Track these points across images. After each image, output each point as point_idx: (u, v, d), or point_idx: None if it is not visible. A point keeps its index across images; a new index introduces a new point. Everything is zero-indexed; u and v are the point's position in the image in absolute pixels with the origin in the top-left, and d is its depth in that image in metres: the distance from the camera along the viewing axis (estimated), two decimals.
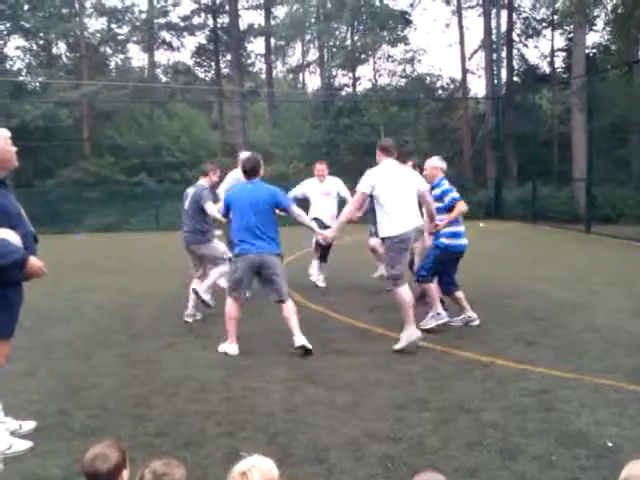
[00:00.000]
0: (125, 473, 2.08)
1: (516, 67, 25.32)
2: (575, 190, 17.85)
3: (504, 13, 23.48)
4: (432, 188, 5.86)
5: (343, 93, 25.57)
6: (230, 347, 5.19)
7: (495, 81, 22.04)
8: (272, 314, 6.63)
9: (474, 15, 26.17)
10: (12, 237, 3.20)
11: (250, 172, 5.26)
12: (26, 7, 22.19)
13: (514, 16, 24.60)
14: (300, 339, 5.09)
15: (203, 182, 6.52)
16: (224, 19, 26.84)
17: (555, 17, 23.86)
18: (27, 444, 3.40)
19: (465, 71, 24.50)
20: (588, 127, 15.52)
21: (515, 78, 25.08)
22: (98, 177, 19.40)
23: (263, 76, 29.53)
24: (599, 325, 5.93)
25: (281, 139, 23.17)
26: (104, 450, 2.06)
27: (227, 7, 26.06)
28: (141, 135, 21.10)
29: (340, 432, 3.56)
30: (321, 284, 8.14)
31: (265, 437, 3.50)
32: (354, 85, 25.73)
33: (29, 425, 3.63)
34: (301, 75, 29.89)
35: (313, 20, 25.14)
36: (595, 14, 20.57)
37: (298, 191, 8.23)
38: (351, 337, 5.69)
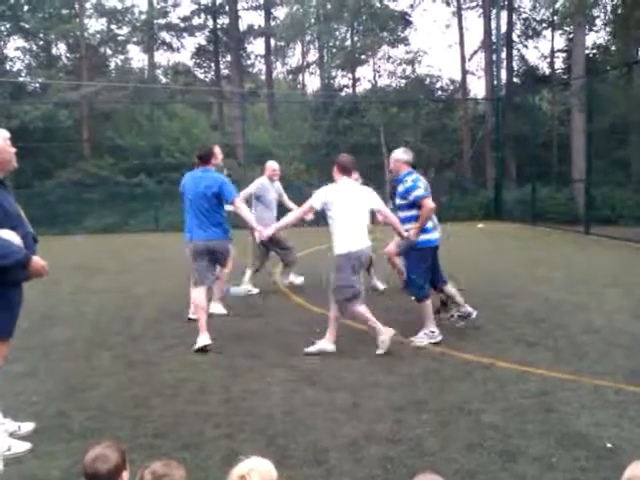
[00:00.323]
0: (125, 474, 2.08)
1: (516, 68, 25.36)
2: (574, 191, 17.85)
3: (504, 14, 23.50)
4: (398, 183, 5.65)
5: (343, 94, 25.57)
6: (203, 338, 5.28)
7: (495, 82, 22.04)
8: (272, 315, 6.64)
9: (474, 16, 26.24)
10: (14, 237, 3.20)
11: (203, 159, 5.49)
12: (26, 8, 22.20)
13: (514, 17, 24.64)
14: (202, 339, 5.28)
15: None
16: (224, 20, 26.85)
17: (555, 18, 23.88)
18: (26, 445, 3.40)
19: (465, 72, 24.53)
20: (588, 128, 15.51)
21: (515, 79, 25.10)
22: (98, 178, 19.38)
23: (263, 77, 29.55)
24: (599, 326, 5.93)
25: (281, 140, 23.16)
26: (104, 451, 2.06)
27: (227, 8, 26.07)
28: (141, 136, 21.09)
29: (339, 434, 3.55)
30: (298, 281, 8.13)
31: (264, 439, 3.49)
32: (354, 86, 25.75)
33: (28, 426, 3.63)
34: (301, 76, 29.91)
35: (313, 21, 25.14)
36: (595, 15, 20.60)
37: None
38: (350, 339, 5.68)
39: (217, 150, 5.77)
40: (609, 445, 3.33)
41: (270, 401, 4.10)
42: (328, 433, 3.57)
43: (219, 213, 5.45)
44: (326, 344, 5.22)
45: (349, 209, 5.12)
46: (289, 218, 5.51)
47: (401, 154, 5.66)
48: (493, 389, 4.26)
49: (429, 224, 5.56)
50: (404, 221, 5.48)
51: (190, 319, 6.25)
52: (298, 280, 8.16)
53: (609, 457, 3.21)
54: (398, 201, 5.65)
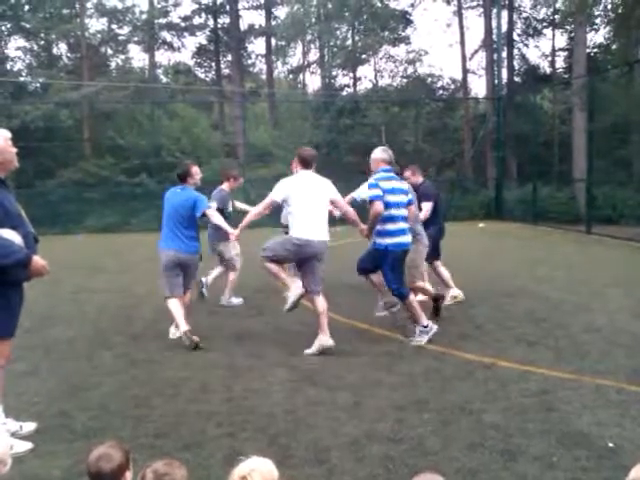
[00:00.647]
0: (128, 474, 2.08)
1: (517, 67, 25.33)
2: (576, 190, 17.83)
3: (505, 13, 23.48)
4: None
5: (344, 93, 25.57)
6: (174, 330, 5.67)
7: (496, 81, 22.03)
8: (272, 315, 6.64)
9: (475, 15, 26.19)
10: (14, 237, 3.21)
11: (180, 178, 5.81)
12: (27, 8, 22.20)
13: (515, 16, 24.61)
14: (177, 330, 5.58)
15: (224, 187, 7.32)
16: (225, 19, 26.85)
17: (556, 17, 23.87)
18: (27, 445, 3.40)
19: (466, 71, 24.51)
20: (589, 127, 15.50)
21: (516, 78, 25.07)
22: (99, 178, 19.39)
23: (264, 76, 29.56)
24: (600, 326, 5.93)
25: (282, 139, 23.16)
26: (108, 451, 2.07)
27: (227, 7, 26.07)
28: (142, 136, 21.10)
29: (341, 433, 3.56)
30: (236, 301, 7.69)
31: (266, 438, 3.50)
32: (355, 85, 25.74)
33: (30, 426, 3.63)
34: (302, 75, 29.91)
35: (314, 20, 25.14)
36: (596, 13, 20.57)
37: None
38: (352, 338, 5.68)
39: (194, 170, 5.92)
40: (610, 445, 3.33)
41: (271, 400, 4.10)
42: (329, 432, 3.57)
43: (192, 229, 5.70)
44: (323, 339, 5.20)
45: (308, 201, 5.18)
46: (250, 215, 5.55)
47: (378, 153, 5.61)
48: (494, 388, 4.26)
49: (392, 227, 5.32)
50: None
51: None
52: (236, 300, 7.49)
53: (610, 457, 3.20)
54: None
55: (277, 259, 5.26)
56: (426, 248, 6.32)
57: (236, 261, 7.29)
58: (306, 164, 5.31)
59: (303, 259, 5.21)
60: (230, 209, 7.36)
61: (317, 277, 5.25)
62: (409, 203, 5.57)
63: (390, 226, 5.33)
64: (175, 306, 5.56)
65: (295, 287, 5.20)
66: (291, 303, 5.24)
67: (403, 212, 5.44)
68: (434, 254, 6.99)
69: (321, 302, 5.24)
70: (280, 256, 5.25)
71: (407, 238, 5.46)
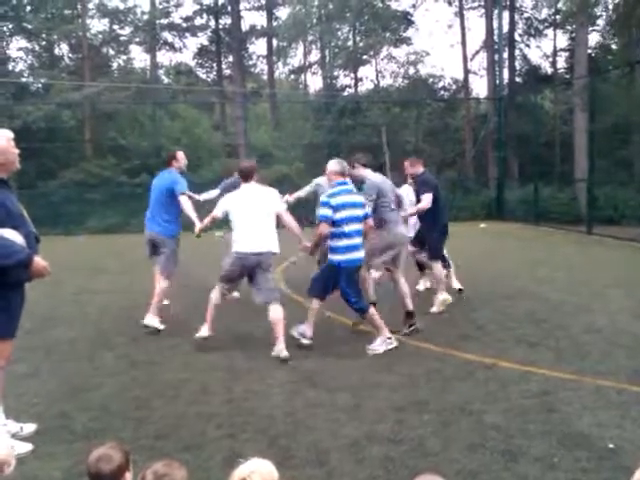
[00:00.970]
0: (128, 475, 2.09)
1: (518, 67, 25.31)
2: (577, 191, 17.82)
3: (506, 14, 23.47)
4: None
5: (345, 94, 25.57)
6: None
7: (497, 81, 22.02)
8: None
9: (476, 16, 26.19)
10: (16, 237, 3.21)
11: (166, 162, 6.41)
12: (28, 8, 22.23)
13: (516, 16, 24.60)
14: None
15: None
16: (226, 20, 26.86)
17: (557, 17, 23.85)
18: (28, 447, 3.40)
19: (467, 71, 24.50)
20: (590, 127, 15.48)
21: (517, 78, 25.06)
22: (100, 178, 19.40)
23: (265, 77, 29.56)
24: (601, 327, 5.92)
25: (283, 140, 23.17)
26: (108, 452, 2.07)
27: (229, 8, 26.08)
28: (143, 136, 21.12)
29: (341, 434, 3.56)
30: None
31: (266, 440, 3.50)
32: (356, 86, 25.74)
33: (30, 427, 3.64)
34: (303, 76, 29.92)
35: (315, 21, 25.14)
36: (597, 14, 20.56)
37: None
38: (351, 339, 5.68)
39: (180, 155, 6.33)
40: (611, 445, 3.33)
41: (271, 402, 4.10)
42: (329, 434, 3.57)
43: (170, 211, 6.11)
44: (276, 350, 5.13)
45: (247, 214, 5.23)
46: (207, 219, 5.61)
47: (332, 165, 5.50)
48: (495, 389, 4.26)
49: (345, 243, 5.21)
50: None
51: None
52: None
53: (611, 458, 3.20)
54: None
55: (229, 278, 5.41)
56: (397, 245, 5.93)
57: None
58: (245, 177, 5.38)
59: (250, 272, 5.29)
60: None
61: (265, 288, 5.24)
62: (365, 217, 5.43)
63: (343, 242, 5.21)
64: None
65: (204, 329, 5.45)
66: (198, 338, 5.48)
67: (357, 227, 5.31)
68: (433, 255, 6.96)
69: (274, 311, 5.21)
70: (229, 273, 5.38)
71: (361, 254, 5.35)
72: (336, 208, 5.18)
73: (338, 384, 4.42)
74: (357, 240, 5.30)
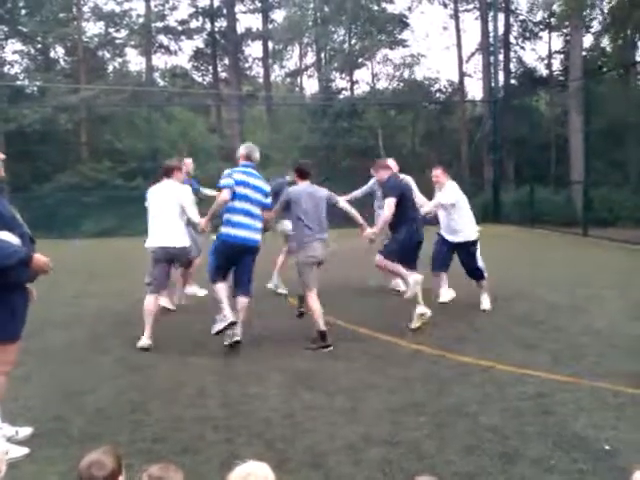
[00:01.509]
0: (121, 479, 2.08)
1: (513, 70, 25.39)
2: (572, 193, 17.87)
3: (501, 16, 23.54)
4: None
5: (341, 97, 25.59)
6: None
7: (492, 84, 22.07)
8: (269, 319, 6.63)
9: (471, 18, 26.29)
10: (12, 238, 3.20)
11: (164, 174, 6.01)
12: (24, 11, 22.19)
13: (511, 19, 24.68)
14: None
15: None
16: (222, 23, 26.88)
17: (552, 20, 23.94)
18: (24, 450, 3.39)
19: (462, 74, 24.56)
20: (585, 129, 15.54)
21: (512, 81, 25.13)
22: (96, 181, 19.35)
23: (261, 80, 29.59)
24: (597, 328, 5.94)
25: (279, 142, 23.18)
26: (100, 457, 2.06)
27: (225, 11, 26.10)
28: (139, 139, 21.09)
29: (338, 437, 3.55)
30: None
31: (263, 443, 3.49)
32: (352, 89, 25.77)
33: (26, 431, 3.62)
34: (299, 79, 29.95)
35: (310, 24, 25.16)
36: (592, 16, 20.65)
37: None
38: (348, 341, 5.68)
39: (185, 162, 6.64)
40: (607, 447, 3.34)
41: (268, 405, 4.10)
42: (326, 436, 3.56)
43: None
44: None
45: (155, 210, 5.71)
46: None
47: (241, 149, 5.80)
48: (491, 391, 4.26)
49: (234, 218, 5.36)
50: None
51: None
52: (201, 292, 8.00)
53: (607, 459, 3.21)
54: None
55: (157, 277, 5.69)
56: (311, 259, 5.57)
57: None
58: (165, 174, 5.85)
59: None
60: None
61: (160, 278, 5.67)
62: (264, 205, 5.58)
63: (231, 217, 5.38)
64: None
65: (145, 340, 5.54)
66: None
67: (249, 207, 5.42)
68: (404, 260, 6.10)
69: (147, 301, 5.60)
70: (150, 272, 5.83)
71: (246, 234, 5.38)
72: (237, 183, 5.39)
73: (335, 386, 4.42)
74: (247, 220, 5.40)
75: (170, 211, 5.65)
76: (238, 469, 1.92)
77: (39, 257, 3.29)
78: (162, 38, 26.54)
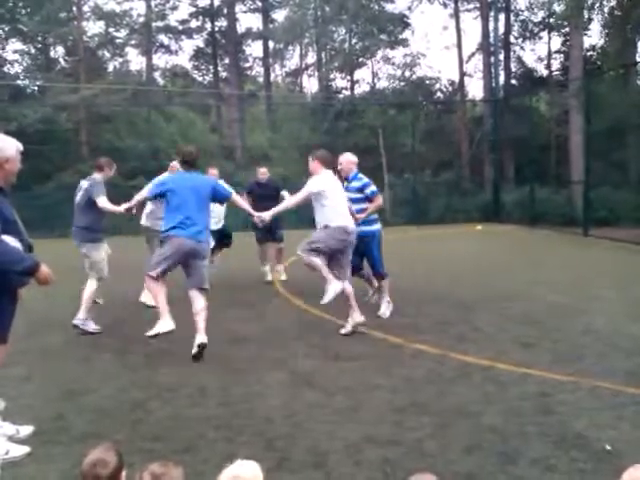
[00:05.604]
0: (123, 474, 2.09)
1: (513, 70, 25.40)
2: (573, 193, 17.88)
3: (501, 16, 23.55)
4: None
5: (341, 96, 25.59)
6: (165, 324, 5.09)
7: (493, 84, 22.08)
8: (270, 318, 6.63)
9: (471, 18, 26.28)
10: (16, 244, 3.21)
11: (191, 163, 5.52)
12: (24, 11, 22.18)
13: (511, 19, 24.68)
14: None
15: (97, 176, 6.30)
16: (222, 23, 26.89)
17: (552, 20, 23.93)
18: (25, 449, 3.39)
19: (463, 74, 24.56)
20: (585, 129, 15.55)
21: (512, 80, 25.14)
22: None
23: (261, 79, 29.60)
24: (597, 328, 5.94)
25: (279, 142, 23.18)
26: (103, 455, 2.06)
27: (225, 11, 26.10)
28: (139, 139, 21.08)
29: (339, 436, 3.55)
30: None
31: (263, 442, 3.49)
32: (352, 88, 25.77)
33: (26, 430, 3.62)
34: (299, 78, 29.96)
35: (311, 23, 25.16)
36: (592, 16, 20.63)
37: None
38: (350, 341, 5.68)
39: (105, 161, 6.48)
40: (608, 447, 3.34)
41: (269, 404, 4.10)
42: (327, 436, 3.56)
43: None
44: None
45: (337, 194, 5.88)
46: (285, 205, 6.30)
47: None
48: (492, 391, 4.26)
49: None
50: None
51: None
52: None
53: (608, 459, 3.21)
54: None
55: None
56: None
57: (103, 267, 6.30)
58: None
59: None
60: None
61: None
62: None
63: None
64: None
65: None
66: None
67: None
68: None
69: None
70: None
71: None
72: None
73: (336, 386, 4.42)
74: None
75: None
76: (226, 471, 1.93)
77: (45, 268, 3.28)
78: (162, 37, 26.60)
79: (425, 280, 8.95)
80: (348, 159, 6.70)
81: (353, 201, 6.31)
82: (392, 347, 5.47)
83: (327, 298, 5.63)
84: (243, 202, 6.03)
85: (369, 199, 6.47)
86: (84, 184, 6.25)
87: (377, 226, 6.61)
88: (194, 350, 5.04)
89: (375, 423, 3.74)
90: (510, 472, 3.10)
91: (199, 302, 5.19)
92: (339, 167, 6.65)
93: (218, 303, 7.51)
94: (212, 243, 8.16)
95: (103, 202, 5.97)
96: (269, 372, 4.76)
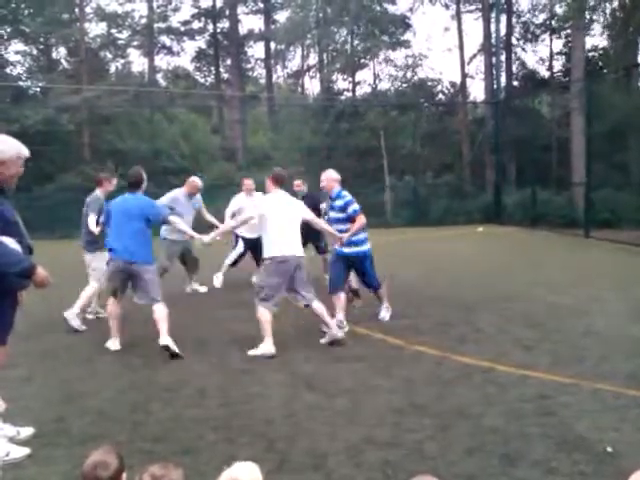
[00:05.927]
0: (124, 476, 2.09)
1: (515, 71, 25.39)
2: (574, 194, 17.86)
3: (503, 18, 23.54)
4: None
5: (343, 97, 25.60)
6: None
7: (494, 85, 22.07)
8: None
9: (472, 19, 26.25)
10: (15, 245, 3.20)
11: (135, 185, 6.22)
12: (26, 12, 22.23)
13: (513, 20, 24.68)
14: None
15: (97, 192, 7.09)
16: (224, 24, 26.92)
17: (553, 22, 23.94)
18: (25, 451, 3.39)
19: (464, 75, 24.55)
20: (587, 131, 15.54)
21: (514, 82, 25.12)
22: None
23: (263, 81, 29.63)
24: (598, 330, 5.93)
25: (281, 143, 23.19)
26: (104, 457, 2.07)
27: (227, 12, 26.14)
28: (141, 140, 21.10)
29: (339, 438, 3.55)
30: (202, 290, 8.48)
31: (264, 443, 3.48)
32: (354, 89, 25.78)
33: (27, 432, 3.62)
34: (301, 79, 29.98)
35: (313, 25, 25.18)
36: (594, 18, 20.63)
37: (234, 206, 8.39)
38: (350, 342, 5.67)
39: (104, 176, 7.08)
40: (609, 449, 3.33)
41: (269, 405, 4.09)
42: (328, 437, 3.56)
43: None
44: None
45: (282, 218, 5.47)
46: (225, 228, 6.31)
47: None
48: (493, 392, 4.25)
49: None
50: None
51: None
52: (202, 289, 8.45)
53: (609, 461, 3.20)
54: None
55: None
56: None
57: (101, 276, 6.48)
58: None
59: None
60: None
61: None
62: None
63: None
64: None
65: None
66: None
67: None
68: None
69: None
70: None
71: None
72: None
73: (336, 387, 4.42)
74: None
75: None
76: (224, 473, 1.93)
77: (41, 271, 3.27)
78: (164, 39, 26.63)
79: (425, 281, 8.95)
80: (329, 176, 6.25)
81: (337, 221, 6.10)
82: (392, 348, 5.47)
83: (254, 352, 5.27)
84: (180, 223, 5.99)
85: (352, 219, 6.05)
86: (88, 199, 7.07)
87: (366, 246, 6.23)
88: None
89: (375, 424, 3.73)
90: (511, 474, 3.09)
91: (156, 313, 5.40)
92: (321, 185, 6.32)
93: (218, 303, 7.55)
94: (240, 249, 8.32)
95: (90, 221, 6.64)
96: (269, 373, 4.76)
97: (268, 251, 5.42)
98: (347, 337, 5.82)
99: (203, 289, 8.41)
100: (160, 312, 5.36)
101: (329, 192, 6.27)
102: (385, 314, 6.58)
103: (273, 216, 5.45)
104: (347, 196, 6.15)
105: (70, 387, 4.52)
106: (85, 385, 4.57)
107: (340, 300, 6.12)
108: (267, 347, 5.28)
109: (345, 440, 3.51)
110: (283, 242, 5.39)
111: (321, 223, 6.04)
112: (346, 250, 6.09)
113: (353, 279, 7.00)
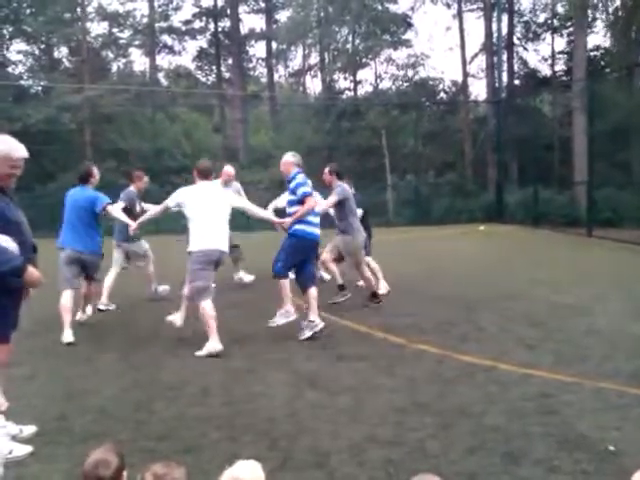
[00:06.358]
0: (124, 475, 2.09)
1: (517, 70, 25.37)
2: (576, 193, 17.85)
3: (505, 17, 23.52)
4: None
5: (344, 96, 25.59)
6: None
7: (496, 84, 22.05)
8: (272, 318, 6.62)
9: (474, 18, 26.20)
10: (9, 243, 3.18)
11: (82, 179, 6.60)
12: (28, 11, 22.26)
13: (515, 19, 24.65)
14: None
15: (132, 188, 7.57)
16: (225, 23, 26.92)
17: (555, 21, 23.91)
18: (27, 449, 3.39)
19: (466, 74, 24.53)
20: (589, 130, 15.52)
21: (516, 81, 25.10)
22: (100, 181, 19.38)
23: (264, 80, 29.63)
24: (600, 329, 5.92)
25: (282, 142, 23.19)
26: (105, 456, 2.07)
27: (228, 11, 26.14)
28: (143, 139, 21.13)
29: (341, 436, 3.55)
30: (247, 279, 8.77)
31: (266, 441, 3.49)
32: (355, 89, 25.78)
33: (29, 430, 3.62)
34: (302, 79, 29.98)
35: (314, 24, 25.17)
36: (596, 17, 20.61)
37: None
38: (352, 341, 5.68)
39: (95, 170, 6.66)
40: (611, 448, 3.32)
41: (272, 404, 4.10)
42: (330, 436, 3.56)
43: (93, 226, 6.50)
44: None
45: (204, 210, 5.38)
46: (147, 215, 6.23)
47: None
48: (495, 391, 4.25)
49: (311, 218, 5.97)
50: None
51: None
52: (247, 278, 8.78)
53: (611, 460, 3.20)
54: None
55: (203, 286, 5.51)
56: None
57: (149, 255, 7.89)
58: (204, 175, 5.64)
59: None
60: (138, 209, 7.51)
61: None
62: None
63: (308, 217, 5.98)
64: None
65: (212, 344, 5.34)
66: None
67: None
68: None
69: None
70: (200, 277, 5.49)
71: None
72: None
73: (339, 386, 4.42)
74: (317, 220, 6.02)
75: None
76: (226, 472, 1.93)
77: (33, 271, 3.23)
78: (166, 38, 26.65)
79: (427, 280, 8.95)
80: (284, 160, 6.15)
81: (291, 203, 5.97)
82: (394, 347, 5.47)
83: (200, 353, 5.21)
84: (119, 213, 6.46)
85: (301, 201, 5.86)
86: (122, 193, 7.64)
87: (309, 229, 5.89)
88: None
89: (378, 423, 3.73)
90: (513, 473, 3.09)
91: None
92: (280, 170, 6.24)
93: (220, 303, 7.54)
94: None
95: (115, 206, 6.77)
96: (271, 372, 4.77)
97: (194, 244, 5.39)
98: (347, 336, 5.82)
99: (248, 278, 8.71)
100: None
101: (287, 176, 6.15)
102: (279, 319, 6.08)
103: (194, 208, 5.39)
104: (299, 179, 5.96)
105: (73, 385, 4.53)
106: (88, 383, 4.58)
107: (286, 287, 6.02)
108: (213, 345, 5.23)
109: (348, 438, 3.52)
110: (207, 235, 5.35)
111: (255, 209, 5.90)
112: (309, 230, 5.93)
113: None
